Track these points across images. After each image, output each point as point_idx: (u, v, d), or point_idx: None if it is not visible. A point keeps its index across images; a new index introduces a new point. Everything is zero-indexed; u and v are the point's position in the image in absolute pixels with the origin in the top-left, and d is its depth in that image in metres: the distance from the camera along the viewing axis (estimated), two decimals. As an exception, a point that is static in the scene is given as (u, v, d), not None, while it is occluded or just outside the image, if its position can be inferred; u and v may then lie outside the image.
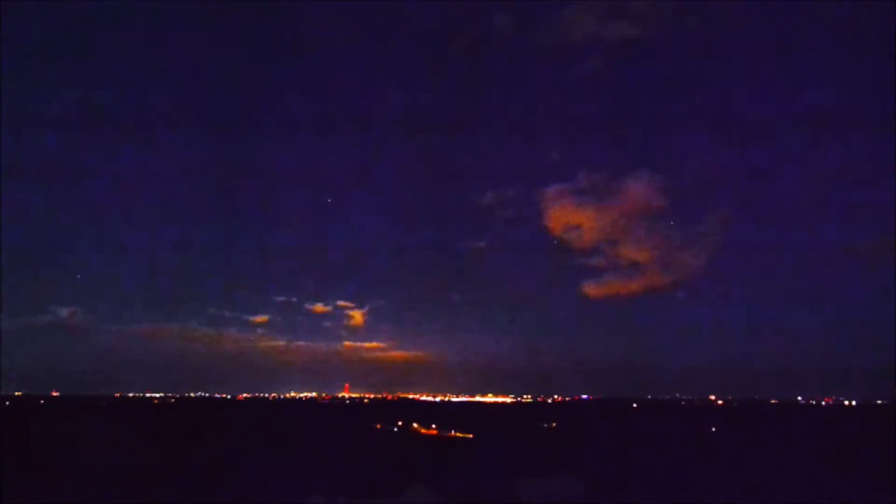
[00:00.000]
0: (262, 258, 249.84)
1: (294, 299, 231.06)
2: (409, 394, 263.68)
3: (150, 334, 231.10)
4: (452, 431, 70.28)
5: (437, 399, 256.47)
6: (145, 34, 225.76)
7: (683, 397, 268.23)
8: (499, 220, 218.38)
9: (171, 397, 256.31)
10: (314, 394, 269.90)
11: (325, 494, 28.12)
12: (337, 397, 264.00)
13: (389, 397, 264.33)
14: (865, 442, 59.75)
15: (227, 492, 30.72)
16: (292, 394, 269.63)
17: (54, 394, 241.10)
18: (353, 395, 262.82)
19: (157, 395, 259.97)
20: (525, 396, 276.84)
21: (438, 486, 30.30)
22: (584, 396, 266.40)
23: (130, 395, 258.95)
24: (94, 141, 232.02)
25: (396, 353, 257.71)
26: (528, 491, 29.64)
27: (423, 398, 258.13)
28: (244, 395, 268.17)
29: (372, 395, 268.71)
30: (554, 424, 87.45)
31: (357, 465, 41.78)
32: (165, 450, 51.77)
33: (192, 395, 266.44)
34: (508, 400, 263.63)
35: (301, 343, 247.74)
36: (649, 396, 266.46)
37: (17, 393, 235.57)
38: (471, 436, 67.03)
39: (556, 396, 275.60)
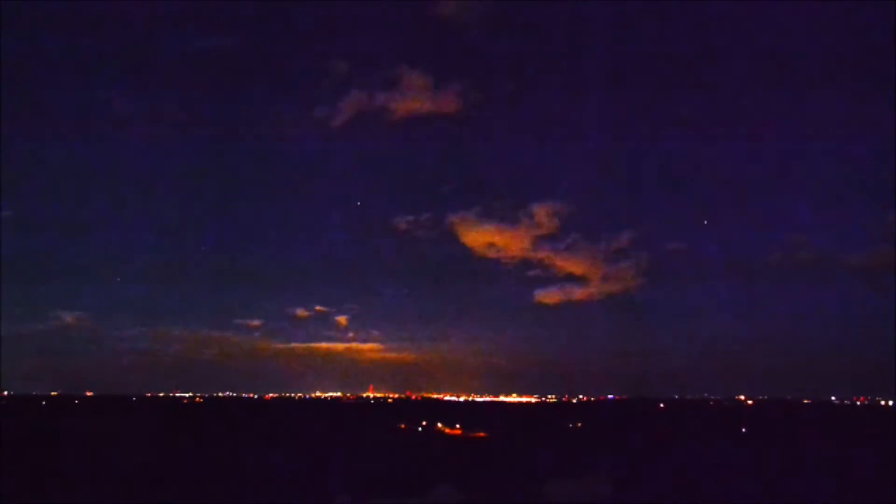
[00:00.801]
0: (284, 266, 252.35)
1: (313, 304, 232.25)
2: (432, 394, 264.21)
3: (184, 338, 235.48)
4: (476, 431, 70.17)
5: (461, 399, 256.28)
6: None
7: (712, 397, 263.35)
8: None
9: (199, 397, 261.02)
10: (339, 394, 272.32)
11: (351, 494, 28.35)
12: (361, 397, 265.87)
13: (413, 397, 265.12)
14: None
15: (255, 491, 31.07)
16: (318, 394, 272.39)
17: (88, 394, 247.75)
18: (378, 395, 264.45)
19: (186, 395, 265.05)
20: (549, 396, 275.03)
21: (463, 485, 30.30)
22: (610, 396, 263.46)
23: (160, 394, 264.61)
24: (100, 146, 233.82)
25: (419, 354, 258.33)
26: (555, 491, 29.44)
27: (447, 398, 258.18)
28: (271, 394, 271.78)
29: (396, 395, 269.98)
30: (579, 424, 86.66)
31: (382, 465, 41.95)
32: (194, 448, 52.78)
33: (220, 394, 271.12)
34: (532, 400, 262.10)
35: (324, 344, 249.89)
36: (676, 397, 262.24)
37: (52, 393, 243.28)
38: (495, 436, 66.82)
39: (580, 396, 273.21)
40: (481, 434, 68.40)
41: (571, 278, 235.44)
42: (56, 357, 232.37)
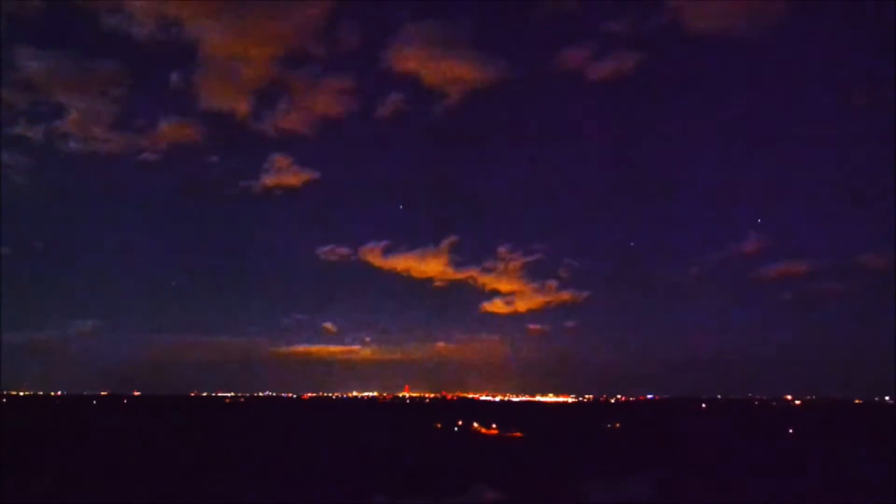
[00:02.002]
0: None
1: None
2: (468, 394, 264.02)
3: (223, 344, 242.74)
4: (513, 431, 69.69)
5: (497, 399, 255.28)
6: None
7: (757, 397, 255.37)
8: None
9: (241, 396, 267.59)
10: (375, 393, 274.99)
11: (387, 494, 28.43)
12: (397, 397, 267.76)
13: (449, 397, 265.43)
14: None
15: (291, 490, 31.46)
16: (354, 393, 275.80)
17: (136, 393, 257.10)
18: (413, 395, 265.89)
19: (229, 395, 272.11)
20: (587, 396, 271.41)
21: (500, 485, 30.03)
22: (650, 396, 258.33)
23: (204, 394, 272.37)
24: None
25: (454, 353, 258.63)
26: (594, 491, 28.90)
27: (483, 398, 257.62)
28: (309, 394, 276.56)
29: (432, 395, 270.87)
30: (618, 425, 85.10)
31: (419, 465, 42.02)
32: (232, 445, 53.97)
33: (260, 394, 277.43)
34: (570, 400, 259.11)
35: (361, 345, 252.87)
36: (719, 396, 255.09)
37: (102, 392, 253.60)
38: (531, 436, 66.22)
39: (619, 396, 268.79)
40: (518, 434, 67.89)
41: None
42: (103, 359, 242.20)
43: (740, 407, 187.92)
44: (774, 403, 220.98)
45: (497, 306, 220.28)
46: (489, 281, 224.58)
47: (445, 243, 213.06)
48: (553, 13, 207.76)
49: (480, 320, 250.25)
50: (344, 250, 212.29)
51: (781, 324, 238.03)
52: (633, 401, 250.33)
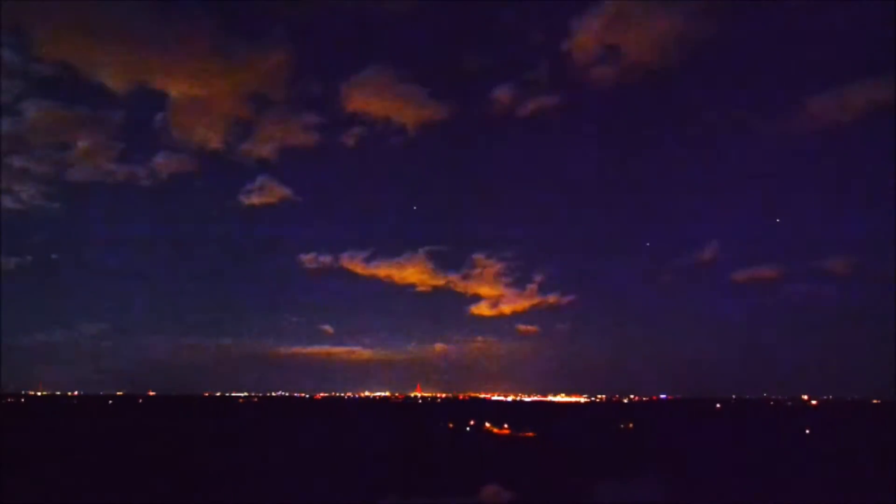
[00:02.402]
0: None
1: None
2: (480, 393, 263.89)
3: (226, 346, 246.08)
4: (525, 431, 69.57)
5: (509, 399, 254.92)
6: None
7: (773, 397, 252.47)
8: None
9: (254, 396, 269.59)
10: (387, 393, 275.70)
11: (399, 493, 28.56)
12: (409, 397, 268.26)
13: (461, 397, 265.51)
14: None
15: (303, 490, 31.68)
16: (366, 393, 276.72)
17: (151, 393, 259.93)
18: (425, 395, 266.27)
19: (242, 395, 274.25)
20: (599, 396, 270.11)
21: (512, 485, 30.02)
22: (663, 396, 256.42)
23: (217, 394, 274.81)
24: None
25: (466, 353, 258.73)
26: (606, 491, 28.82)
27: (495, 398, 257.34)
28: (321, 394, 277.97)
29: (443, 395, 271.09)
30: (630, 425, 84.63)
31: (431, 464, 42.14)
32: (247, 446, 54.45)
33: (273, 394, 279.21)
34: (582, 400, 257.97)
35: (374, 344, 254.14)
36: (734, 396, 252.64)
37: (118, 392, 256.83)
38: (544, 436, 66.08)
39: (631, 396, 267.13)
40: (530, 434, 67.78)
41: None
42: (120, 360, 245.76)
43: (755, 407, 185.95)
44: (790, 403, 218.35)
45: (483, 309, 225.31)
46: (469, 286, 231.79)
47: (422, 252, 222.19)
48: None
49: (470, 322, 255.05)
50: (326, 259, 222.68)
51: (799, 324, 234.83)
52: (646, 401, 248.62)
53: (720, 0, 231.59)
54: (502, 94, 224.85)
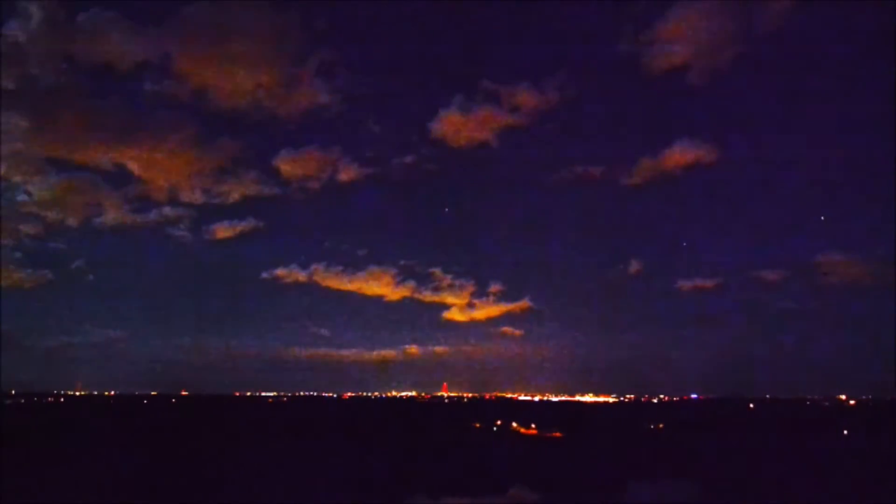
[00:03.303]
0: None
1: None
2: (506, 393, 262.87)
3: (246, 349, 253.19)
4: (552, 431, 69.06)
5: (536, 399, 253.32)
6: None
7: (808, 397, 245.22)
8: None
9: (284, 396, 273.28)
10: (414, 393, 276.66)
11: (428, 493, 28.61)
12: (436, 396, 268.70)
13: (487, 397, 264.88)
14: None
15: (328, 490, 31.94)
16: (393, 393, 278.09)
17: (183, 393, 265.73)
18: (452, 395, 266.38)
19: (271, 395, 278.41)
20: (628, 396, 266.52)
21: (540, 486, 29.84)
22: (694, 396, 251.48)
23: (248, 393, 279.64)
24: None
25: (494, 352, 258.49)
26: (636, 493, 28.41)
27: (521, 397, 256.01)
28: (349, 394, 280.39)
29: (470, 395, 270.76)
30: (661, 426, 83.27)
31: (458, 464, 42.12)
32: (275, 445, 55.20)
33: (302, 393, 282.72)
34: (610, 400, 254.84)
35: (404, 344, 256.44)
36: (768, 396, 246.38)
37: (152, 393, 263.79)
38: (571, 436, 65.51)
39: (661, 396, 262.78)
40: (557, 434, 67.26)
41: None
42: (154, 361, 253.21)
43: (791, 407, 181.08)
44: (827, 404, 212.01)
45: (455, 314, 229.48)
46: (436, 297, 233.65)
47: (384, 266, 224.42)
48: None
49: (444, 328, 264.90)
50: (300, 275, 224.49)
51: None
52: (676, 401, 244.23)
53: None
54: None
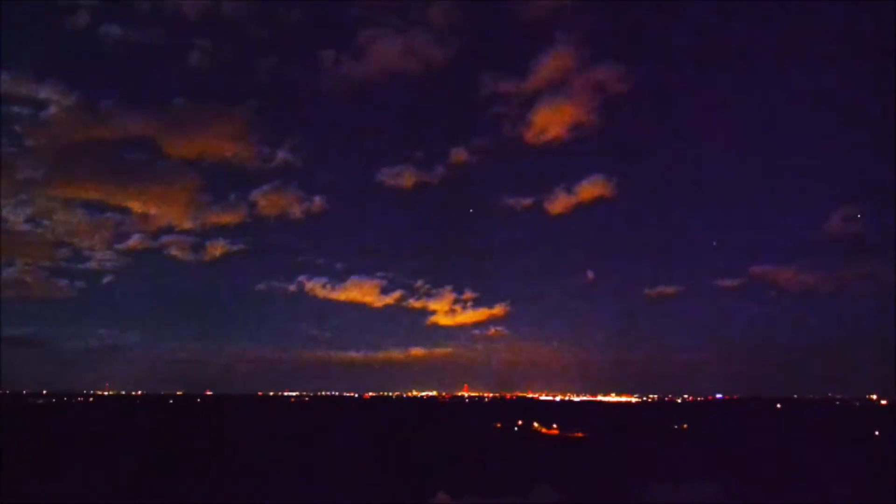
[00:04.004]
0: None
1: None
2: (527, 393, 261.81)
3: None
4: (575, 431, 68.61)
5: (557, 399, 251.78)
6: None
7: (838, 396, 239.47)
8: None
9: (305, 396, 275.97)
10: (434, 393, 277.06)
11: (450, 493, 28.66)
12: (456, 396, 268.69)
13: (508, 396, 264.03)
14: None
15: (350, 490, 32.12)
16: (414, 393, 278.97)
17: (208, 392, 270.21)
18: (473, 395, 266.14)
19: (294, 394, 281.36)
20: (650, 396, 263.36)
21: (562, 486, 29.69)
22: (719, 396, 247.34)
23: (271, 393, 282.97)
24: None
25: (515, 353, 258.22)
26: (659, 494, 28.08)
27: (543, 397, 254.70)
28: (370, 394, 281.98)
29: (491, 395, 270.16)
30: (685, 426, 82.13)
31: (480, 465, 42.09)
32: (296, 442, 55.79)
33: (323, 393, 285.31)
34: (633, 400, 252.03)
35: (421, 343, 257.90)
36: (795, 396, 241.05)
37: (178, 392, 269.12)
38: (594, 436, 65.01)
39: (685, 396, 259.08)
40: (580, 434, 66.79)
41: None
42: (178, 363, 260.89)
43: (819, 407, 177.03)
44: (857, 404, 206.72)
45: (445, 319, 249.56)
46: (419, 304, 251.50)
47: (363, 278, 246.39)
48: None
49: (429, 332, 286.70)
50: (291, 287, 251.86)
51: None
52: (700, 401, 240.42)
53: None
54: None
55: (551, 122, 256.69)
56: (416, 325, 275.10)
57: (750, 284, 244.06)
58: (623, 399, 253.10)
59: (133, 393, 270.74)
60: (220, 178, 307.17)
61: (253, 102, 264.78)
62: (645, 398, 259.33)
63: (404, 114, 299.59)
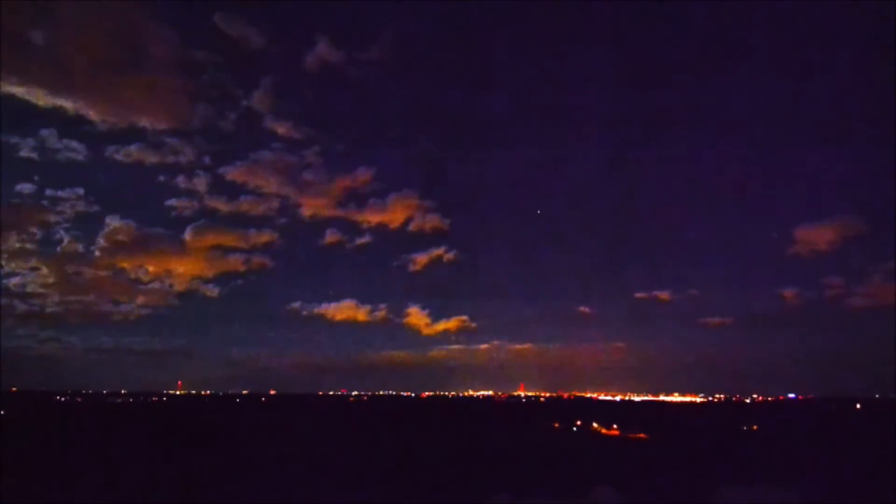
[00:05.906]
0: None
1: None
2: (585, 392, 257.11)
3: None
4: (636, 432, 66.85)
5: (617, 398, 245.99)
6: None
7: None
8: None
9: (364, 395, 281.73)
10: (490, 392, 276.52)
11: (510, 493, 28.54)
12: (513, 396, 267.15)
13: (565, 396, 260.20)
14: None
15: (412, 490, 32.47)
16: (470, 392, 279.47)
17: (272, 392, 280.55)
18: (529, 394, 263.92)
19: (353, 394, 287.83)
20: (717, 396, 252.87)
21: (624, 487, 28.95)
22: (791, 395, 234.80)
23: (331, 392, 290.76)
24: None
25: (572, 351, 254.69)
26: (729, 498, 26.94)
27: (602, 397, 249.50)
28: (426, 393, 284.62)
29: (547, 394, 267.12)
30: (754, 427, 78.42)
31: (539, 465, 41.70)
32: (364, 444, 56.93)
33: (381, 392, 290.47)
34: (698, 399, 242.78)
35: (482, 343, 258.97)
36: (877, 396, 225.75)
37: (244, 392, 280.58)
38: (657, 437, 63.13)
39: (755, 396, 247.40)
40: (641, 435, 65.02)
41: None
42: (244, 363, 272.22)
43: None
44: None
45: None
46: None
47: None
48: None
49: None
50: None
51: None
52: (771, 401, 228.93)
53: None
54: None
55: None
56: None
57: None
58: (687, 399, 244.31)
59: (203, 392, 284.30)
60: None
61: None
62: (710, 398, 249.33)
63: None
